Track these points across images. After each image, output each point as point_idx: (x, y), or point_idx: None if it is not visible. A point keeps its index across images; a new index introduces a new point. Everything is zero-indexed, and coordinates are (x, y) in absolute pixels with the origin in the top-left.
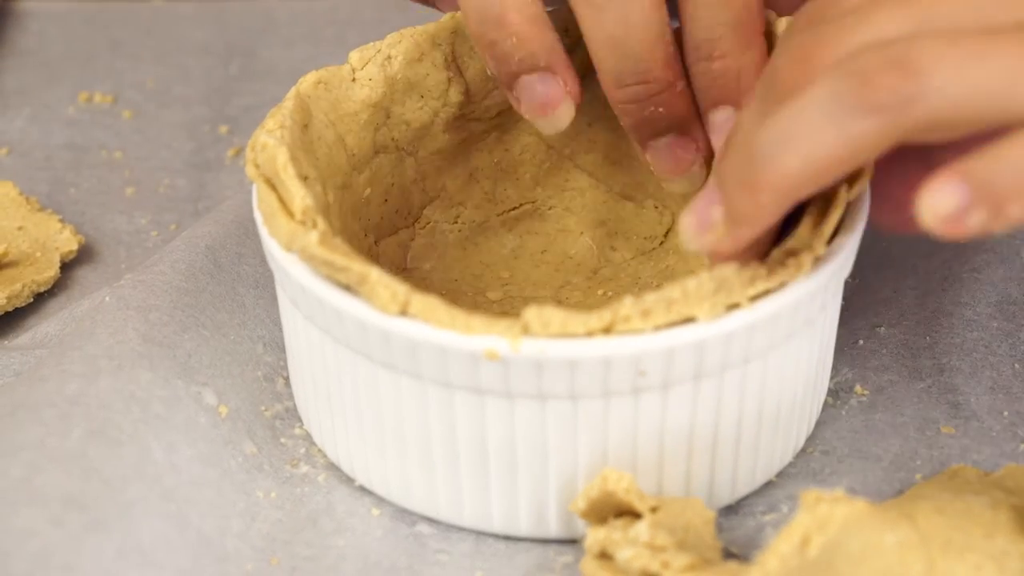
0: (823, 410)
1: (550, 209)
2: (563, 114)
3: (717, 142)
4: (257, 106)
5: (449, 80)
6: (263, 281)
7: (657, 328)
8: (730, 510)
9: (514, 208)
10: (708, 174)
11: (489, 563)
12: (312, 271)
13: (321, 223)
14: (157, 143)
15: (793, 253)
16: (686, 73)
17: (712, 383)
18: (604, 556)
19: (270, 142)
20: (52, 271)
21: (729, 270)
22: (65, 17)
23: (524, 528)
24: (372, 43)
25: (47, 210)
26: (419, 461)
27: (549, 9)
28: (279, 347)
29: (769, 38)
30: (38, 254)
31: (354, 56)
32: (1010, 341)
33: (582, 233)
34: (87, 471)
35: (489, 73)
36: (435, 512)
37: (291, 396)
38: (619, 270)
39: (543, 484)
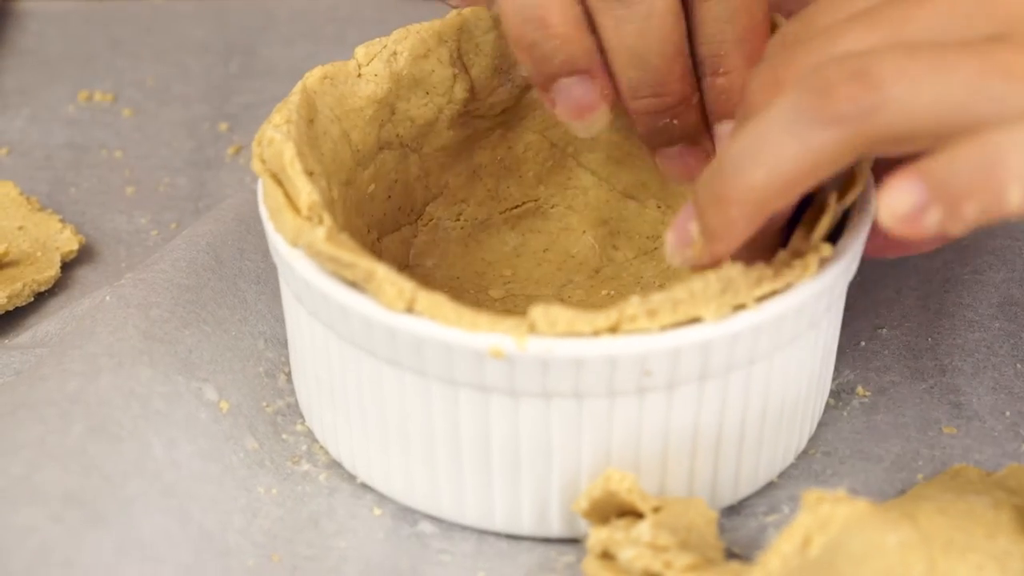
0: (825, 411)
1: (553, 207)
2: (599, 118)
3: None
4: (257, 104)
5: (454, 77)
6: (264, 277)
7: (663, 328)
8: (732, 510)
9: (517, 206)
10: None
11: (491, 563)
12: (318, 267)
13: (327, 219)
14: (157, 142)
15: (799, 254)
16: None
17: (717, 383)
18: (606, 556)
19: (277, 137)
20: (52, 270)
21: (735, 271)
22: (65, 17)
23: (526, 527)
24: (378, 39)
25: (47, 210)
26: (422, 458)
27: None
28: (281, 343)
29: None
30: (38, 254)
31: (360, 52)
32: (1012, 342)
33: (584, 232)
34: (87, 468)
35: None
36: (437, 510)
37: (292, 392)
38: (621, 269)
39: (546, 483)
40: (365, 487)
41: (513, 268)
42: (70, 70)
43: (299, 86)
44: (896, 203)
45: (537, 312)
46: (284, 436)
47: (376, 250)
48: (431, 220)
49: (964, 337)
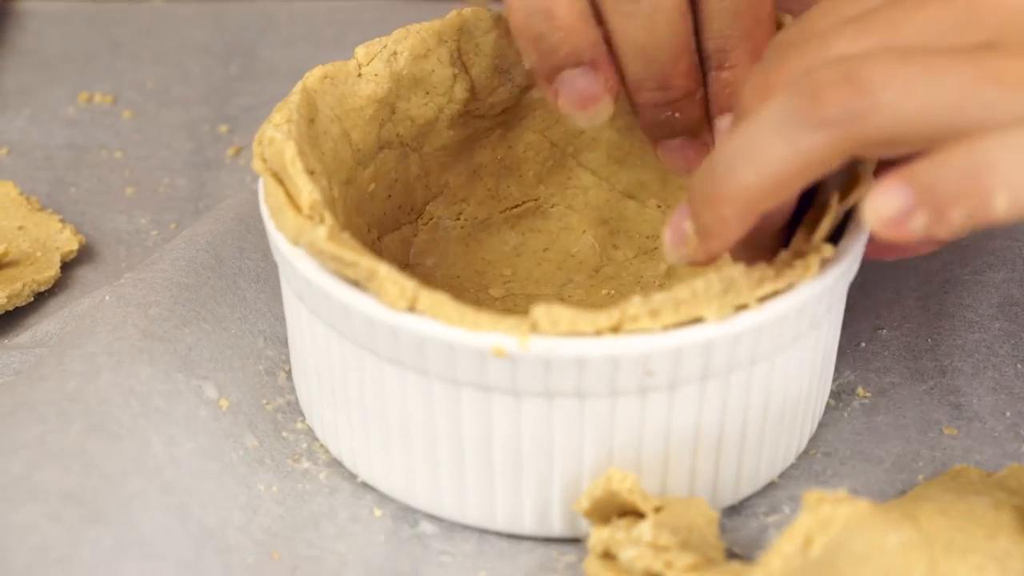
0: (825, 412)
1: (553, 207)
2: (602, 110)
3: None
4: (257, 106)
5: (454, 77)
6: (264, 276)
7: (665, 328)
8: (733, 510)
9: (517, 205)
10: None
11: (492, 563)
12: (319, 266)
13: (328, 218)
14: (157, 143)
15: (800, 255)
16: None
17: (719, 383)
18: (607, 556)
19: (278, 136)
20: (52, 271)
21: (737, 271)
22: (65, 17)
23: (528, 527)
24: (378, 39)
25: (47, 210)
26: (424, 458)
27: None
28: (280, 341)
29: None
30: (38, 254)
31: (360, 51)
32: (1012, 342)
33: (584, 231)
34: (86, 466)
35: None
36: (439, 510)
37: (293, 390)
38: (621, 269)
39: (548, 482)
40: (366, 486)
41: (513, 267)
42: (70, 71)
43: (299, 86)
44: (882, 206)
45: (539, 311)
46: (284, 434)
47: (376, 249)
48: (431, 219)
49: (964, 338)
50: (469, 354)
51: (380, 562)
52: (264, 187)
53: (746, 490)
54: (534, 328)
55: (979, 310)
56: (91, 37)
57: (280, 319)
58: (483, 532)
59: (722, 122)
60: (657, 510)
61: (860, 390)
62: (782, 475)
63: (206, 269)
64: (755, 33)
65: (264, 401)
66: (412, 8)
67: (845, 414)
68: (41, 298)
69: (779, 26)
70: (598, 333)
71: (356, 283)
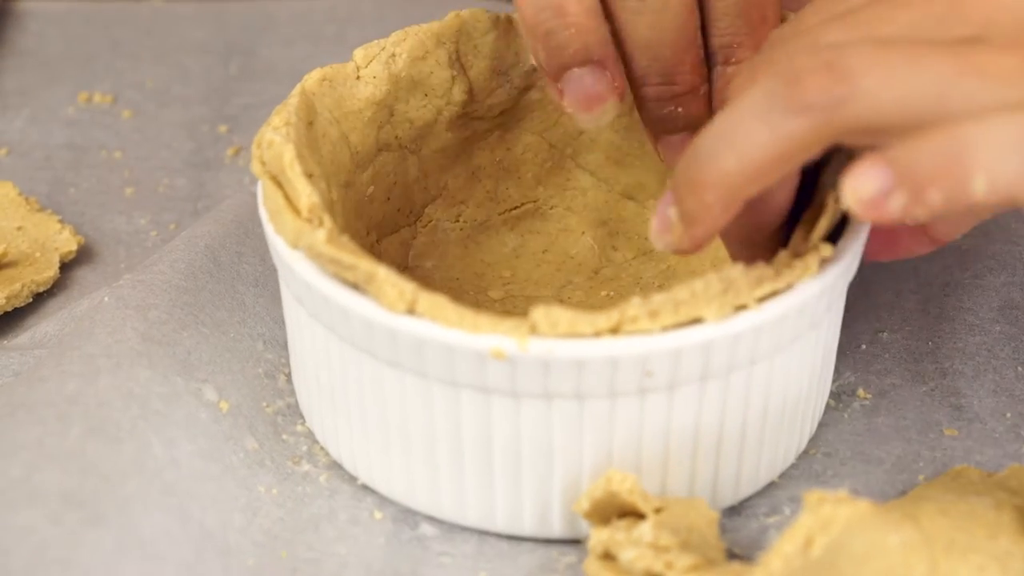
0: (826, 413)
1: (552, 208)
2: (608, 110)
3: None
4: (257, 105)
5: (453, 78)
6: (263, 279)
7: (664, 329)
8: (733, 511)
9: (516, 207)
10: None
11: (492, 564)
12: (318, 269)
13: (327, 221)
14: (156, 143)
15: (799, 255)
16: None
17: (718, 384)
18: (608, 557)
19: (276, 139)
20: (51, 271)
21: (736, 271)
22: (65, 17)
23: (528, 528)
24: (376, 41)
25: (47, 210)
26: (423, 460)
27: None
28: (280, 345)
29: None
30: (37, 254)
31: (358, 54)
32: (1013, 344)
33: (583, 233)
34: (85, 468)
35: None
36: (438, 511)
37: (293, 393)
38: (620, 270)
39: (547, 484)
40: (366, 488)
41: (512, 269)
42: (70, 71)
43: (298, 88)
44: (861, 187)
45: (538, 313)
46: (284, 436)
47: (375, 252)
48: (430, 222)
49: (965, 340)
50: (468, 356)
51: (380, 564)
52: (263, 190)
53: (746, 490)
54: (533, 330)
55: (980, 313)
56: (91, 37)
57: (279, 323)
58: (483, 533)
59: None
60: (657, 511)
61: (860, 391)
62: (782, 475)
63: (204, 273)
64: (761, 30)
65: (264, 404)
66: (412, 5)
67: (845, 415)
68: (40, 299)
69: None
70: (597, 334)
71: (355, 286)
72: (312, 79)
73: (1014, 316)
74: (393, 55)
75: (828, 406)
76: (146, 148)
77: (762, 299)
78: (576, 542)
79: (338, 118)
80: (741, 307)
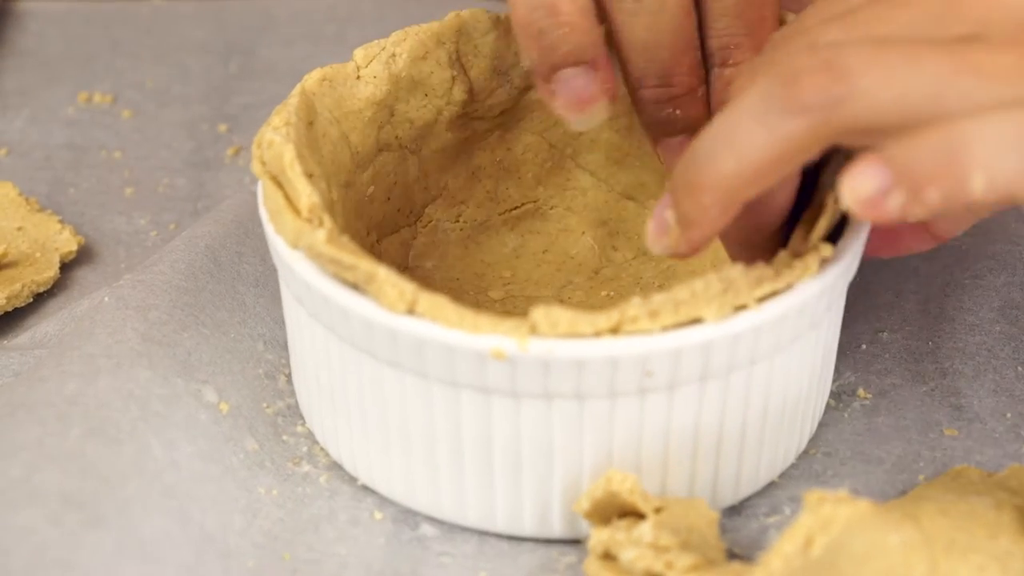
0: (826, 413)
1: (552, 208)
2: (598, 112)
3: None
4: (257, 105)
5: (453, 78)
6: (263, 280)
7: (664, 329)
8: (733, 511)
9: (516, 207)
10: None
11: (493, 564)
12: (318, 269)
13: (327, 221)
14: (156, 143)
15: (799, 255)
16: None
17: (718, 384)
18: (608, 557)
19: (276, 139)
20: (51, 271)
21: (736, 271)
22: (65, 17)
23: (528, 528)
24: (376, 41)
25: (47, 210)
26: (423, 460)
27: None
28: (280, 345)
29: None
30: (38, 254)
31: (359, 54)
32: (1013, 344)
33: (584, 233)
34: (85, 469)
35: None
36: (439, 512)
37: (293, 394)
38: (620, 270)
39: (548, 484)
40: (366, 489)
41: (512, 269)
42: (70, 71)
43: (298, 88)
44: (859, 186)
45: (538, 313)
46: (284, 437)
47: (375, 252)
48: (430, 222)
49: (965, 340)
50: (468, 356)
51: (380, 564)
52: (263, 190)
53: (746, 490)
54: (533, 330)
55: (980, 313)
56: (91, 37)
57: (279, 323)
58: (483, 533)
59: None
60: (657, 511)
61: (861, 391)
62: (782, 475)
63: (204, 274)
64: (758, 31)
65: (264, 405)
66: (412, 5)
67: (846, 415)
68: (40, 299)
69: (783, 24)
70: (597, 334)
71: (355, 286)
72: (312, 79)
73: (1014, 316)
74: (393, 55)
75: (828, 406)
76: (146, 148)
77: (762, 299)
78: (576, 542)
79: (338, 118)
80: (741, 307)
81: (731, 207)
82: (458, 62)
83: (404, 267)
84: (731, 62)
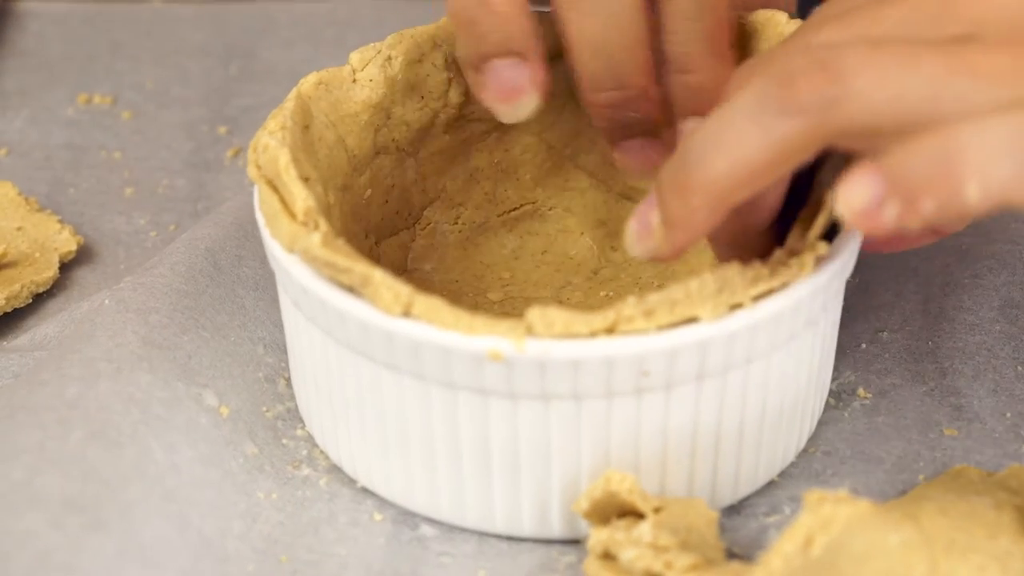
0: (826, 412)
1: (550, 210)
2: (526, 104)
3: None
4: (256, 107)
5: (449, 81)
6: (263, 283)
7: (660, 328)
8: (732, 511)
9: (514, 209)
10: None
11: (492, 563)
12: (314, 272)
13: (323, 224)
14: (156, 144)
15: (795, 253)
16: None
17: (715, 383)
18: (607, 556)
19: (272, 143)
20: (51, 272)
21: (732, 270)
22: (65, 18)
23: (527, 528)
24: (372, 44)
25: (46, 210)
26: (422, 462)
27: (544, 11)
28: (280, 348)
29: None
30: (37, 254)
31: (354, 57)
32: (1013, 344)
33: (582, 233)
34: (87, 473)
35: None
36: (438, 513)
37: (292, 397)
38: (619, 270)
39: (546, 484)
40: (366, 491)
41: (511, 271)
42: (70, 72)
43: (293, 92)
44: (854, 197)
45: (534, 314)
46: (284, 441)
47: (374, 255)
48: (429, 224)
49: (965, 340)
50: (465, 358)
51: (380, 564)
52: (259, 194)
53: (745, 490)
54: (529, 331)
55: (980, 313)
56: (91, 38)
57: (279, 326)
58: (483, 533)
59: (688, 126)
60: (656, 511)
61: (860, 391)
62: (782, 475)
63: (204, 277)
64: (716, 35)
65: (264, 408)
66: (411, 8)
67: (845, 414)
68: (40, 299)
69: (739, 25)
70: (593, 335)
71: (351, 289)
72: (308, 83)
73: (1014, 315)
74: (389, 58)
75: (828, 405)
76: (146, 149)
77: (758, 298)
78: (576, 542)
79: (334, 121)
80: (737, 306)
81: (721, 209)
82: (454, 64)
83: (403, 270)
84: (691, 68)
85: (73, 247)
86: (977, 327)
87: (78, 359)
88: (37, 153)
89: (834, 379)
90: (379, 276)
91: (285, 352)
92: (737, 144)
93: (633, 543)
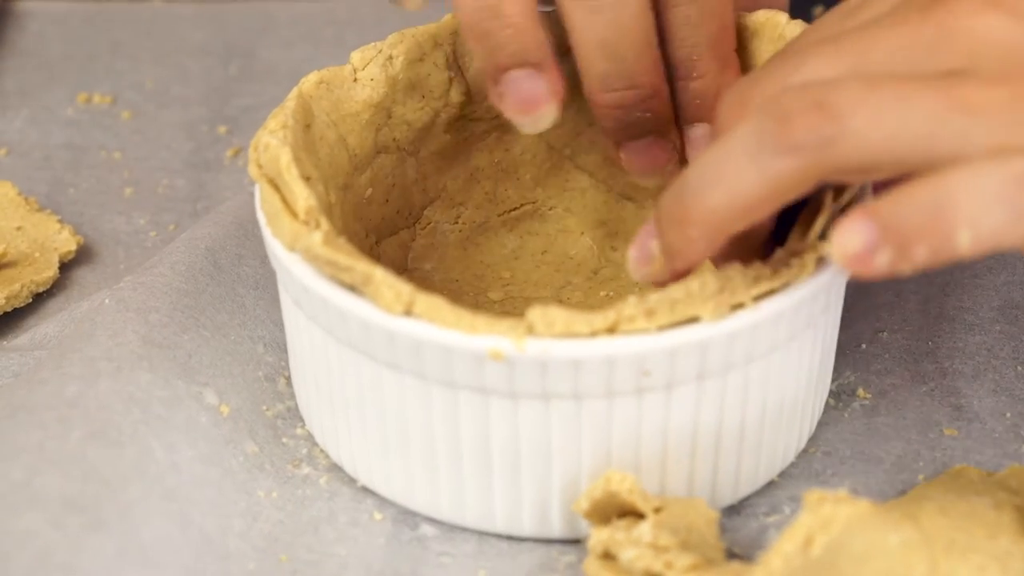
0: (826, 412)
1: (551, 209)
2: (546, 114)
3: (693, 155)
4: (256, 107)
5: (450, 80)
6: (263, 282)
7: (661, 328)
8: (733, 510)
9: (515, 208)
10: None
11: (492, 563)
12: (315, 271)
13: (324, 223)
14: (156, 143)
15: (796, 253)
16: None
17: (715, 383)
18: (607, 556)
19: (273, 142)
20: (51, 271)
21: (733, 270)
22: (65, 17)
23: (527, 528)
24: (373, 43)
25: (46, 210)
26: (422, 461)
27: (548, 9)
28: (280, 347)
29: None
30: (37, 254)
31: (356, 56)
32: (1013, 344)
33: (583, 233)
34: (87, 472)
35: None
36: (438, 512)
37: (293, 396)
38: (620, 270)
39: (546, 484)
40: (366, 491)
41: (512, 270)
42: (69, 72)
43: (295, 91)
44: (848, 242)
45: (535, 313)
46: (284, 440)
47: (374, 254)
48: (429, 224)
49: (964, 340)
50: (466, 357)
51: (380, 564)
52: (260, 193)
53: (745, 490)
54: (530, 330)
55: (979, 313)
56: (90, 37)
57: (279, 325)
58: (483, 533)
59: (695, 132)
60: (657, 510)
61: (860, 391)
62: (782, 475)
63: (205, 276)
64: (721, 40)
65: (264, 407)
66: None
67: (845, 414)
68: (39, 299)
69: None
70: (594, 334)
71: (352, 288)
72: (309, 82)
73: (1014, 315)
74: (390, 57)
75: (828, 405)
76: (145, 148)
77: (759, 298)
78: (576, 542)
79: (335, 121)
80: (738, 306)
81: (717, 240)
82: (455, 64)
83: (403, 269)
84: (695, 75)
85: (73, 247)
86: (977, 327)
87: (78, 358)
88: (37, 153)
89: (834, 379)
90: (380, 275)
91: (285, 351)
92: (734, 180)
93: (633, 543)
